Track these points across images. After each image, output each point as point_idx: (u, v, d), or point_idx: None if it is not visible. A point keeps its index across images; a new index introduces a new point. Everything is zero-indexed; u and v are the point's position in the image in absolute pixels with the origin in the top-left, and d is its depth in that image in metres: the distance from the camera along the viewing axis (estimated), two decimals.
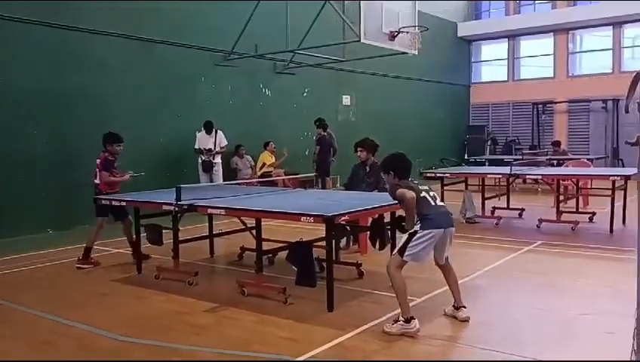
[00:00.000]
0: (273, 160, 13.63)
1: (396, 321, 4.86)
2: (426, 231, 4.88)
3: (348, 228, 7.21)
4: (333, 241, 5.94)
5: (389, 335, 4.78)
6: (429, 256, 5.03)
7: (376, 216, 6.39)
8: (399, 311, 4.90)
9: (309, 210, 5.43)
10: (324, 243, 5.65)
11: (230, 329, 5.10)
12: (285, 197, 7.29)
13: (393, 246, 6.26)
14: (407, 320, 4.80)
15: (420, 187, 5.06)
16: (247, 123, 13.94)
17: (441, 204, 5.09)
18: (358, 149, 8.20)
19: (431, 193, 5.06)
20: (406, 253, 4.91)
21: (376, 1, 11.41)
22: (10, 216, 9.75)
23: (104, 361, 4.51)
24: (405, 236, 4.99)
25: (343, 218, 5.34)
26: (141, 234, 7.34)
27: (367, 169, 8.18)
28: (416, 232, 4.93)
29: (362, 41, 11.09)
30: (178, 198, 6.18)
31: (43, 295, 6.35)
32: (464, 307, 5.20)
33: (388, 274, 4.97)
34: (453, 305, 5.25)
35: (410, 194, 4.89)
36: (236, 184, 9.94)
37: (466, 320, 5.11)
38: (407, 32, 11.95)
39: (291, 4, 12.57)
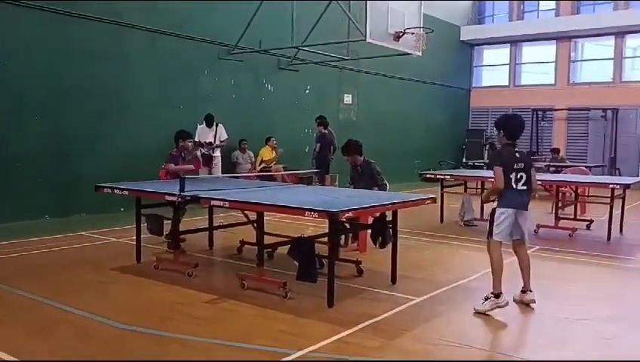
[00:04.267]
0: (273, 155, 13.64)
1: (486, 299, 5.34)
2: (502, 210, 5.44)
3: (347, 225, 7.25)
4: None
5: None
6: (515, 232, 5.53)
7: (378, 214, 6.40)
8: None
9: (311, 205, 5.44)
10: (325, 239, 5.67)
11: (230, 321, 5.12)
12: (287, 192, 7.30)
13: (395, 246, 6.34)
14: (497, 296, 5.32)
15: (516, 164, 5.45)
16: (249, 118, 13.94)
17: (522, 188, 5.47)
18: (345, 156, 8.23)
19: (519, 174, 5.45)
20: (494, 233, 5.45)
21: (382, 0, 11.42)
22: (9, 201, 9.74)
23: None
24: (490, 216, 5.57)
25: (346, 215, 5.36)
26: (142, 224, 7.35)
27: (360, 170, 8.16)
28: (494, 210, 5.50)
29: (368, 40, 11.10)
30: (182, 189, 6.18)
31: (41, 281, 6.36)
32: (530, 291, 5.66)
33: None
34: (522, 290, 5.70)
35: (498, 186, 5.39)
36: (235, 177, 9.93)
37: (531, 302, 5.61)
38: (413, 33, 11.97)
39: (297, 2, 12.57)
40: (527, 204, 5.59)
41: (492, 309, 5.30)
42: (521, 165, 5.49)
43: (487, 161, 5.85)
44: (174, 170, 8.17)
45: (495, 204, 5.53)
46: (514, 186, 5.44)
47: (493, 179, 5.51)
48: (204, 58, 12.93)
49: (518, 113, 20.90)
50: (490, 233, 5.53)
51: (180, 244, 7.50)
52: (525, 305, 5.60)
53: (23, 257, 7.51)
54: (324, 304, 5.46)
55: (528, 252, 8.21)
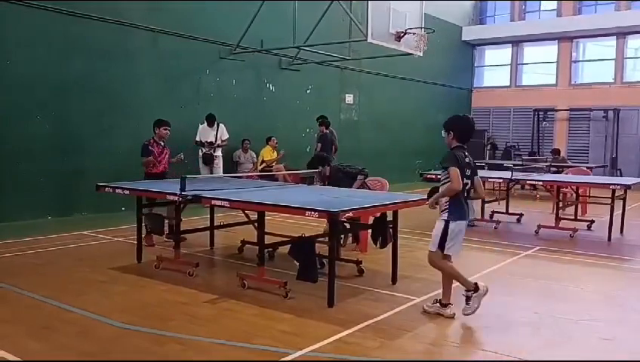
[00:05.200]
0: (274, 155, 13.65)
1: (468, 299, 5.15)
2: (457, 223, 5.16)
3: (347, 225, 7.26)
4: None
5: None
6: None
7: (379, 214, 6.41)
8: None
9: (312, 205, 5.44)
10: (326, 238, 5.67)
11: (230, 320, 5.12)
12: (288, 191, 7.30)
13: (395, 246, 6.34)
14: (476, 289, 5.14)
15: (466, 170, 5.16)
16: (250, 117, 13.97)
17: (466, 195, 5.26)
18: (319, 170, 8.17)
19: (466, 181, 5.18)
20: (447, 247, 5.17)
21: (384, 0, 11.42)
22: (11, 200, 9.76)
23: None
24: (440, 229, 5.18)
25: (347, 215, 5.37)
26: (142, 223, 7.37)
27: (333, 180, 8.02)
28: (447, 223, 5.13)
29: (369, 40, 11.11)
30: (182, 189, 6.19)
31: (42, 280, 6.37)
32: (451, 304, 5.32)
33: (434, 267, 5.33)
34: (440, 301, 5.36)
35: (456, 187, 5.03)
36: (237, 177, 9.94)
37: (451, 317, 5.24)
38: (414, 34, 11.97)
39: (299, 2, 12.59)
40: None
41: (479, 305, 5.13)
42: (469, 172, 5.23)
43: (441, 162, 5.30)
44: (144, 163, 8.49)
45: (444, 215, 5.17)
46: (465, 194, 5.20)
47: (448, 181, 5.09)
48: (205, 57, 12.95)
49: (521, 112, 21.02)
50: (441, 246, 5.18)
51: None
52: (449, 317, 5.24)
53: (24, 256, 7.52)
54: (325, 304, 5.47)
55: (529, 252, 8.34)
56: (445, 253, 5.20)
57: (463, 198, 5.19)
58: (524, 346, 4.65)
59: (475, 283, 5.18)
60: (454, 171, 5.03)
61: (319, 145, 13.60)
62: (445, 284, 5.37)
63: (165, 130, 8.57)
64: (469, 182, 5.23)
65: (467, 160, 5.22)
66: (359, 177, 7.83)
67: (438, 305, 5.33)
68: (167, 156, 8.64)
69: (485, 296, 5.18)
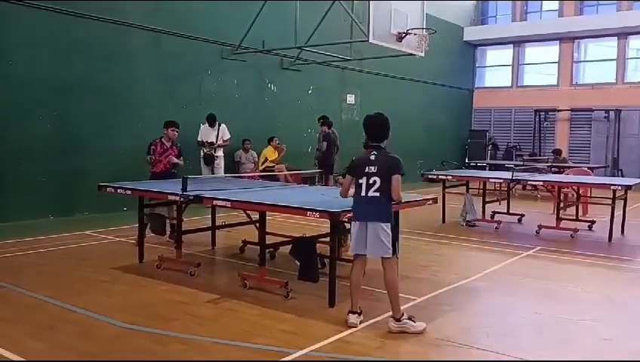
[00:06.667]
0: (276, 155, 13.66)
1: (398, 320, 4.87)
2: (353, 223, 5.03)
3: (347, 225, 7.26)
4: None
5: (391, 333, 4.86)
6: (369, 246, 4.94)
7: None
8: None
9: (313, 205, 5.46)
10: (326, 238, 5.67)
11: (231, 320, 5.14)
12: (289, 192, 7.32)
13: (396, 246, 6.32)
14: (355, 313, 5.00)
15: (368, 168, 4.88)
16: (252, 117, 13.98)
17: (373, 194, 4.86)
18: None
19: (371, 179, 4.87)
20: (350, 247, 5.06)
21: (385, 0, 11.42)
22: (12, 200, 9.78)
23: None
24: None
25: (348, 215, 5.37)
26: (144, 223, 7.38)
27: None
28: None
29: (370, 41, 11.11)
30: (184, 189, 6.21)
31: (44, 280, 6.39)
32: (395, 318, 4.87)
33: None
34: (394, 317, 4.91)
35: (340, 194, 5.18)
36: (238, 177, 9.95)
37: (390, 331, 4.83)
38: (415, 34, 11.97)
39: (300, 2, 12.59)
40: (381, 214, 4.86)
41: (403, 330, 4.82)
42: (374, 169, 4.84)
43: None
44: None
45: None
46: (362, 193, 4.88)
47: None
48: (207, 58, 12.96)
49: (522, 113, 20.88)
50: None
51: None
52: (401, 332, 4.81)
53: (26, 256, 7.53)
54: (326, 303, 5.49)
55: (530, 252, 8.34)
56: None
57: (361, 199, 4.92)
58: (524, 346, 4.66)
59: (360, 312, 4.99)
60: (346, 178, 5.12)
61: (324, 143, 13.60)
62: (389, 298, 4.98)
63: (173, 131, 8.59)
64: (377, 179, 4.85)
65: (372, 157, 4.91)
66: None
67: (406, 319, 4.89)
68: (170, 156, 8.57)
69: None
